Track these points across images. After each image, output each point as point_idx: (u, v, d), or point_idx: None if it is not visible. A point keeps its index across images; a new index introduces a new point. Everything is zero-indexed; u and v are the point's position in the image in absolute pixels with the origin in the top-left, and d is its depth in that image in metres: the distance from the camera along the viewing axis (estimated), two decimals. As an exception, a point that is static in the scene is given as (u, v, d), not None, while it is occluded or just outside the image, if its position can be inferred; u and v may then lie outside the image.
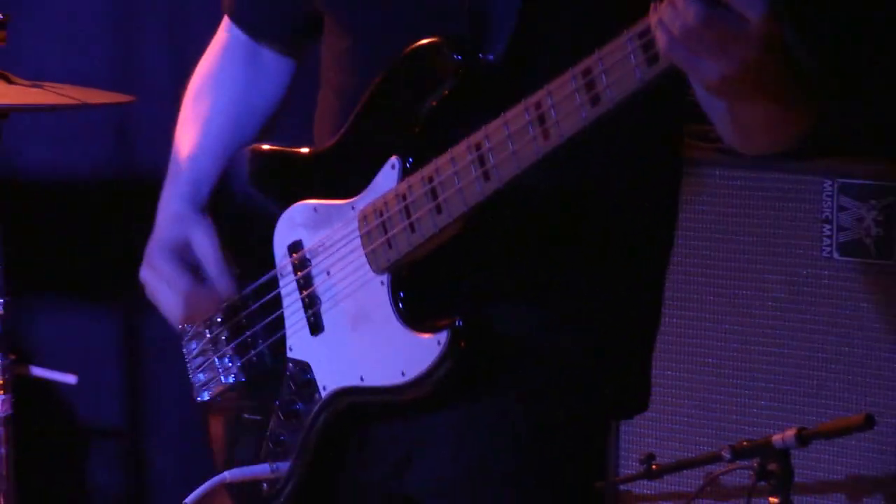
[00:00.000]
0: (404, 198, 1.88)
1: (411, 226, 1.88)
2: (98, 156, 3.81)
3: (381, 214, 1.91)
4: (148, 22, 3.79)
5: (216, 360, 2.16)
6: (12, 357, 3.01)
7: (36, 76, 3.05)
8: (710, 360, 3.07)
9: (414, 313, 1.90)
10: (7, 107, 2.91)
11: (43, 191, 3.83)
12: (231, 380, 2.14)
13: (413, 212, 1.88)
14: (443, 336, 1.83)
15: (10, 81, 2.91)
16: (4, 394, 2.94)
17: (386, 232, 1.91)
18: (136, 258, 2.19)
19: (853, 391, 2.89)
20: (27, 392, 3.13)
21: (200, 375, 2.17)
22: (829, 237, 2.97)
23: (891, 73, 3.00)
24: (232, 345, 2.14)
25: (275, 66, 2.32)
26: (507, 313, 1.95)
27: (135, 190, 3.52)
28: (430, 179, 1.85)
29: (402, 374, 1.87)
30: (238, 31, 2.29)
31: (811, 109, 1.83)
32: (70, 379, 3.21)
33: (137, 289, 2.21)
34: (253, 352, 2.12)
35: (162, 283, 2.12)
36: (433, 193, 1.85)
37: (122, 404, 3.88)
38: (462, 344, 1.83)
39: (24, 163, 3.52)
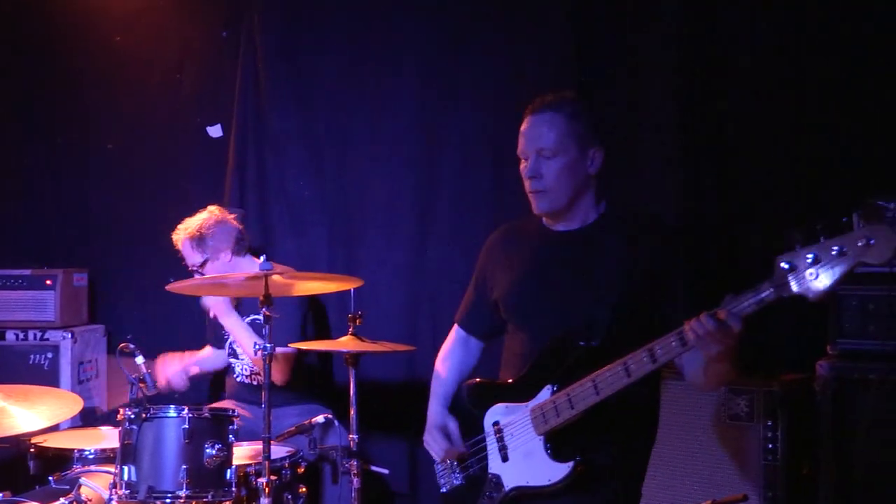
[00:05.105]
0: (554, 403, 2.32)
1: (556, 415, 2.32)
2: (396, 370, 4.18)
3: (542, 410, 2.35)
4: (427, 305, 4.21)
5: (451, 473, 2.52)
6: (360, 462, 3.33)
7: (377, 336, 3.46)
8: (672, 471, 3.35)
9: (556, 453, 2.33)
10: (362, 352, 3.34)
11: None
12: (457, 482, 2.52)
13: (558, 410, 2.31)
14: (570, 464, 2.29)
15: (362, 340, 3.36)
16: (357, 478, 3.27)
17: (544, 418, 2.34)
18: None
19: (739, 488, 3.19)
20: (367, 477, 3.49)
21: (442, 479, 2.56)
22: (724, 412, 3.31)
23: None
24: (460, 466, 2.50)
25: (476, 347, 2.81)
26: (599, 452, 2.35)
27: (416, 391, 3.59)
28: (569, 395, 2.31)
29: (549, 480, 2.31)
30: (461, 330, 2.82)
31: (739, 369, 2.37)
32: (385, 471, 3.67)
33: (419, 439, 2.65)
34: (470, 470, 2.50)
35: (432, 444, 2.60)
36: (570, 402, 2.30)
37: (409, 485, 4.19)
38: (579, 469, 2.28)
39: (363, 374, 3.49)
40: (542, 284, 2.50)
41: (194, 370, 4.14)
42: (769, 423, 3.23)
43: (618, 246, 2.43)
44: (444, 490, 2.52)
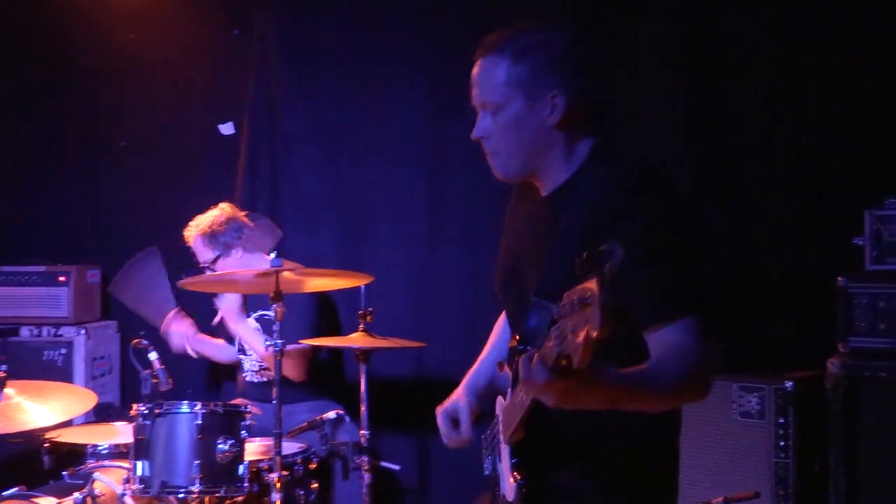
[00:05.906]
0: (508, 411, 2.07)
1: (508, 425, 2.05)
2: (406, 366, 4.29)
3: (503, 416, 2.13)
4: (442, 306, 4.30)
5: (488, 459, 2.31)
6: (371, 457, 3.48)
7: (387, 333, 3.62)
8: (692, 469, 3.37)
9: (514, 468, 2.06)
10: (372, 348, 3.51)
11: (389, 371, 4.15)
12: (491, 468, 2.30)
13: (508, 419, 2.07)
14: (518, 485, 2.03)
15: (372, 336, 3.52)
16: (368, 473, 3.43)
17: (504, 425, 2.11)
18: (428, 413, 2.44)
19: (750, 485, 3.19)
20: (378, 472, 3.59)
21: (485, 464, 2.33)
22: (735, 410, 3.40)
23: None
24: (490, 454, 2.29)
25: None
26: (555, 472, 2.08)
27: (427, 387, 4.04)
28: (511, 406, 2.04)
29: (510, 498, 2.06)
30: None
31: (659, 402, 1.90)
32: (396, 467, 3.72)
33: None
34: (494, 458, 2.26)
35: (440, 424, 2.34)
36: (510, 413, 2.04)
37: (419, 481, 4.27)
38: (524, 490, 2.00)
39: (374, 370, 3.70)
40: (512, 270, 2.18)
41: (192, 353, 4.18)
42: (780, 421, 3.30)
43: (578, 218, 1.97)
44: (486, 472, 2.33)
